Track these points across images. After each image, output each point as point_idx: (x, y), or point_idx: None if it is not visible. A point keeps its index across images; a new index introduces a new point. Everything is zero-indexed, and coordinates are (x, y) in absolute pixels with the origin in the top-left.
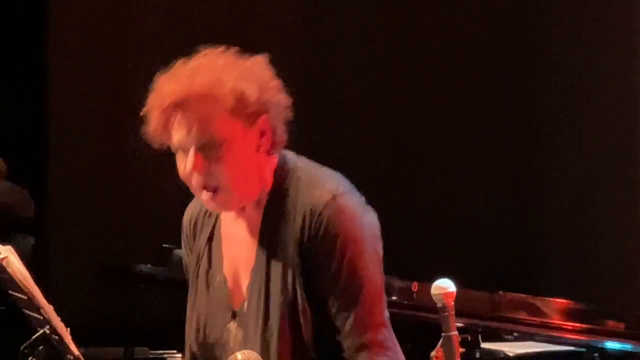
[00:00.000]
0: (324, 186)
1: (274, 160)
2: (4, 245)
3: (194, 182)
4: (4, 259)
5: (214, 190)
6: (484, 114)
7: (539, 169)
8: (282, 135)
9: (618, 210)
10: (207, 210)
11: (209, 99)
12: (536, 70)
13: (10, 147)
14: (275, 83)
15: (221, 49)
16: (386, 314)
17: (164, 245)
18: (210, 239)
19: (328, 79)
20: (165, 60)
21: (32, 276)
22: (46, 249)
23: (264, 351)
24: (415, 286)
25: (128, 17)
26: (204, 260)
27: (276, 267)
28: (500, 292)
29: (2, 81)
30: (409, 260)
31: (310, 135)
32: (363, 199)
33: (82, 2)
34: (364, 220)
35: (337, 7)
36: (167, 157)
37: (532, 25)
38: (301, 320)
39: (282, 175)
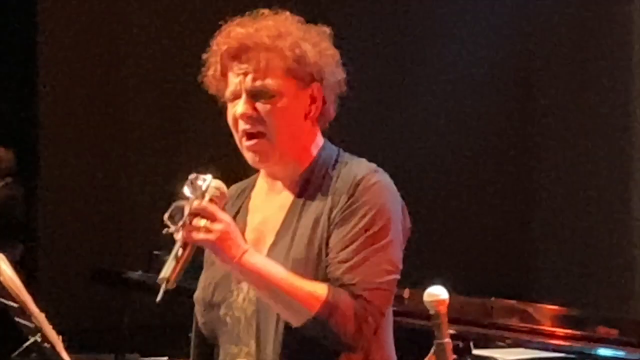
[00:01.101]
0: (368, 164)
1: (319, 138)
2: None
3: (240, 128)
4: None
5: (257, 137)
6: (479, 120)
7: (531, 175)
8: (331, 108)
9: (610, 217)
10: (240, 193)
11: (271, 49)
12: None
13: None
14: (334, 54)
15: (287, 13)
16: (390, 281)
17: (154, 252)
18: (237, 213)
19: None
20: (156, 65)
21: (22, 282)
22: (36, 254)
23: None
24: (407, 293)
25: (120, 14)
26: None
27: (302, 235)
28: (492, 299)
29: None
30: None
31: None
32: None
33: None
34: (396, 194)
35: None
36: (158, 165)
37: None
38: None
39: (327, 157)
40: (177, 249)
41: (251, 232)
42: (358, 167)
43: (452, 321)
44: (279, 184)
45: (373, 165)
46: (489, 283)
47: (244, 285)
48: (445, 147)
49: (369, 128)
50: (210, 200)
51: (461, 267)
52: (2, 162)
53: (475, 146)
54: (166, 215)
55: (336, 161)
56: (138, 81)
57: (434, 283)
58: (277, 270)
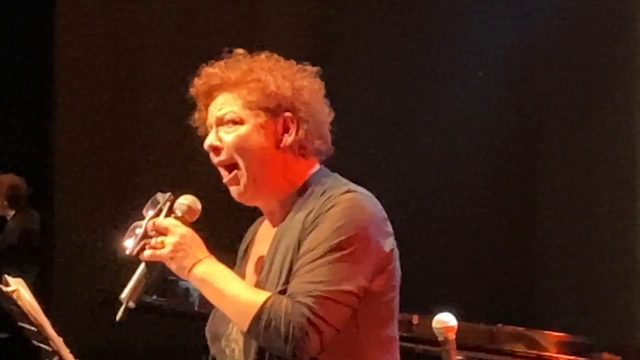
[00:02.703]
0: (349, 185)
1: (311, 167)
2: (14, 277)
3: (214, 161)
4: (14, 291)
5: (233, 169)
6: (481, 149)
7: (536, 202)
8: (316, 141)
9: (615, 245)
10: (259, 223)
11: (237, 84)
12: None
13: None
14: (313, 90)
15: (263, 56)
16: (341, 292)
17: (169, 277)
18: (248, 247)
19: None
20: (170, 74)
21: (39, 306)
22: (52, 279)
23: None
24: (415, 319)
25: (133, 21)
26: (238, 266)
27: (277, 266)
28: (499, 325)
29: (8, 105)
30: (409, 293)
31: None
32: (383, 215)
33: (88, 7)
34: (371, 213)
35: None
36: (173, 189)
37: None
38: None
39: (314, 186)
40: (142, 269)
41: (251, 264)
42: (334, 188)
43: (459, 347)
44: (276, 216)
45: (353, 186)
46: (496, 309)
47: None
48: (451, 176)
49: (372, 163)
50: (178, 217)
51: (468, 293)
52: (18, 189)
53: (479, 174)
54: (125, 238)
55: (319, 181)
56: (154, 109)
57: (442, 310)
58: (224, 279)
